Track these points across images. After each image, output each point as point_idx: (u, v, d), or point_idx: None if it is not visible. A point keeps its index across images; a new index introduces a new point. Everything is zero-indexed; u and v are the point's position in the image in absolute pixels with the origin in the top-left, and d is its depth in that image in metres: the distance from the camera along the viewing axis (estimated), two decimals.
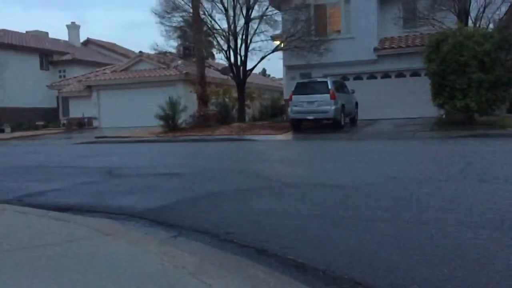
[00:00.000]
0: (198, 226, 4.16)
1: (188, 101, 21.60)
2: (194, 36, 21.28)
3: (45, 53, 33.75)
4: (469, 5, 17.75)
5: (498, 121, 15.97)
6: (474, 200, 4.85)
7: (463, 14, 17.68)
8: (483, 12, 17.58)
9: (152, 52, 24.44)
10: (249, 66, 21.52)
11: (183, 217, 4.55)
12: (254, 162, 9.75)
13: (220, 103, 22.50)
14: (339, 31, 21.81)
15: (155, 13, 21.20)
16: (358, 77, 22.01)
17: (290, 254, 3.24)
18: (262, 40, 22.75)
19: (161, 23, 21.42)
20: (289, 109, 17.84)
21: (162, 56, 24.58)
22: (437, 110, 17.42)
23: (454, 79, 14.68)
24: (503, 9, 17.82)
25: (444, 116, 17.73)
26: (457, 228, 3.81)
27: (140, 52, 28.25)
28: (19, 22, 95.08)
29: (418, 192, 5.40)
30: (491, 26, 17.58)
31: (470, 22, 17.79)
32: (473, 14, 17.87)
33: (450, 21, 17.48)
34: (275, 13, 21.51)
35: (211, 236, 3.87)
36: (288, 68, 22.39)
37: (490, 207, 4.49)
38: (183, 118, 20.39)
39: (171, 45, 23.86)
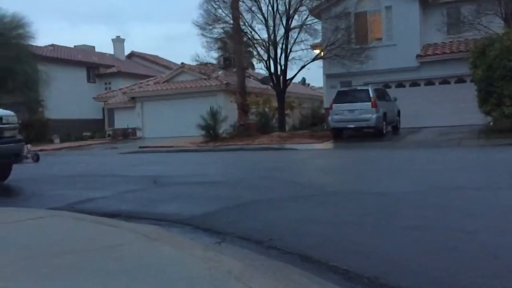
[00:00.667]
0: (242, 233, 4.21)
1: (229, 111, 21.87)
2: (235, 46, 21.58)
3: (92, 66, 35.11)
4: None
5: None
6: None
7: (510, 18, 17.12)
8: None
9: (194, 63, 24.98)
10: (289, 75, 21.59)
11: (227, 223, 4.62)
12: (295, 170, 9.76)
13: (260, 112, 22.64)
14: (380, 39, 21.57)
15: (197, 25, 21.68)
16: (400, 84, 21.65)
17: (333, 261, 3.24)
18: (302, 49, 22.73)
19: (202, 34, 21.86)
20: (329, 118, 17.76)
21: (203, 67, 25.06)
22: (483, 117, 16.86)
23: (502, 85, 14.23)
24: None
25: (491, 124, 17.12)
26: (499, 236, 3.72)
27: (182, 63, 28.92)
28: (67, 37, 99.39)
29: (462, 201, 5.27)
30: None
31: None
32: None
33: (497, 26, 16.97)
34: (315, 22, 21.54)
35: (255, 243, 3.91)
36: (328, 76, 22.31)
37: None
38: (223, 128, 20.66)
39: (212, 56, 24.23)
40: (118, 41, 40.24)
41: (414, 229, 4.13)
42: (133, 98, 28.89)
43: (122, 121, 29.62)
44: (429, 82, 21.13)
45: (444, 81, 20.79)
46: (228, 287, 2.75)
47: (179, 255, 3.49)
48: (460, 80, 19.89)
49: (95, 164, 13.59)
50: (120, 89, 32.20)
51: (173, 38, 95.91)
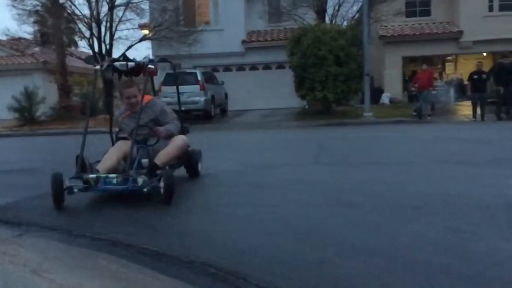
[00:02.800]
0: (49, 223, 3.89)
1: (48, 92, 20.00)
2: (53, 21, 19.67)
3: None
4: (326, 3, 19.12)
5: (352, 111, 17.56)
6: (320, 182, 5.29)
7: (321, 11, 19.01)
8: (338, 10, 19.10)
9: (3, 38, 22.04)
10: (115, 55, 20.56)
11: (33, 214, 4.22)
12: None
13: (84, 94, 21.22)
14: (208, 23, 21.91)
15: None
16: (227, 68, 22.41)
17: (145, 244, 3.19)
18: (128, 29, 21.81)
19: (13, 6, 19.32)
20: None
21: (15, 42, 22.28)
22: (300, 101, 18.52)
23: (313, 72, 15.74)
24: (355, 8, 19.58)
25: (306, 107, 18.93)
26: (303, 208, 4.16)
27: None
28: None
29: (275, 178, 5.73)
30: (345, 23, 19.19)
31: (327, 19, 19.19)
32: (329, 11, 19.31)
33: (310, 18, 18.67)
34: (141, 1, 20.76)
35: (63, 232, 3.64)
36: (157, 58, 21.91)
37: (336, 188, 4.94)
38: (41, 110, 18.83)
39: (26, 31, 21.61)
40: None
41: (227, 206, 4.33)
42: None
43: None
44: (254, 67, 22.32)
45: (267, 66, 22.18)
46: (21, 280, 2.50)
47: None
48: (281, 66, 21.40)
49: None
50: None
51: None
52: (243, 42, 21.52)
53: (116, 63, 4.93)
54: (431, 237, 3.21)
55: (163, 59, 5.92)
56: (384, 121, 14.44)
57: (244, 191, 4.97)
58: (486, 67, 15.84)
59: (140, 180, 4.25)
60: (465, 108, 15.95)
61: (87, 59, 21.23)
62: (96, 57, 19.87)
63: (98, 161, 4.75)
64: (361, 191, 4.74)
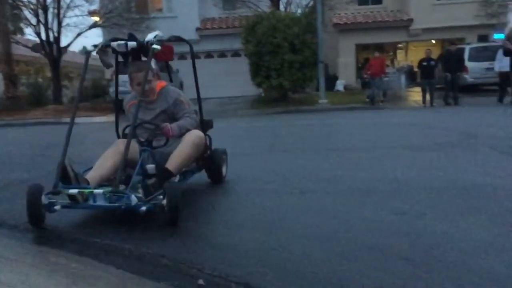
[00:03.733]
0: None
1: None
2: None
3: None
4: None
5: (308, 98, 17.76)
6: (274, 169, 5.35)
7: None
8: None
9: None
10: (65, 42, 19.85)
11: None
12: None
13: (32, 83, 20.37)
14: (161, 10, 21.48)
15: None
16: (182, 56, 22.00)
17: (96, 237, 3.14)
18: (77, 15, 21.14)
19: None
20: (111, 90, 17.10)
21: None
22: (256, 89, 18.53)
23: (269, 60, 15.78)
24: None
25: (263, 95, 18.98)
26: (256, 195, 4.19)
27: None
28: None
29: (229, 166, 5.72)
30: (299, 11, 19.30)
31: (281, 7, 19.24)
32: None
33: (265, 5, 18.66)
34: None
35: (10, 228, 3.51)
36: None
37: (290, 174, 5.00)
38: None
39: None
40: None
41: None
42: None
43: None
44: (209, 55, 22.11)
45: (222, 54, 22.04)
46: None
47: None
48: (236, 54, 21.33)
49: None
50: None
51: None
52: (197, 29, 21.25)
53: (113, 43, 3.91)
54: (382, 221, 3.31)
55: (177, 37, 4.59)
56: (338, 108, 14.70)
57: (197, 181, 4.93)
58: (435, 54, 16.38)
59: (133, 198, 3.15)
60: (416, 94, 16.47)
61: (34, 47, 20.58)
62: (44, 45, 19.13)
63: (90, 168, 3.75)
64: (314, 177, 4.82)
